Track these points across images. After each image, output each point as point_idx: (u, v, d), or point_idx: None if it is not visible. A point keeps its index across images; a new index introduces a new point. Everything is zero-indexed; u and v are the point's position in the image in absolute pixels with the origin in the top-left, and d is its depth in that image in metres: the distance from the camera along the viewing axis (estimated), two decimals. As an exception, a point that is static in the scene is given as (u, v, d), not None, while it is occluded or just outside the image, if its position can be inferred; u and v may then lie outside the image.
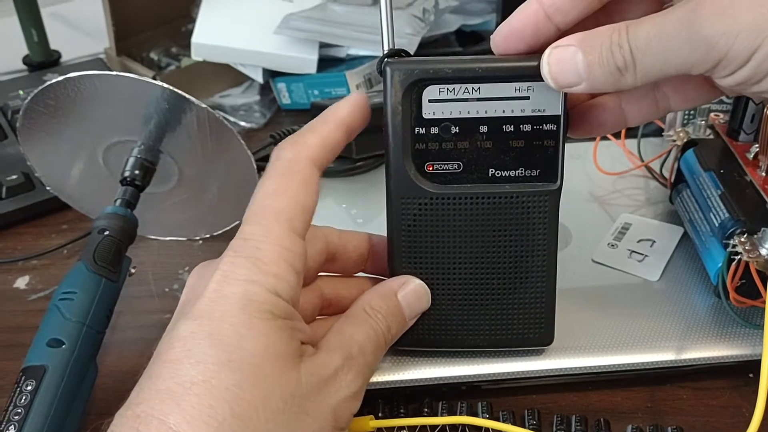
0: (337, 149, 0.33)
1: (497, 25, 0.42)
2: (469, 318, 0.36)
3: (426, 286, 0.35)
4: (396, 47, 0.33)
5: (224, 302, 0.28)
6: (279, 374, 0.28)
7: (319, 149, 0.32)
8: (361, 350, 0.32)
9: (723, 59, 0.28)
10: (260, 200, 0.31)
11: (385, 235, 0.36)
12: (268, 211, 0.30)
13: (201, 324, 0.28)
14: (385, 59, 0.33)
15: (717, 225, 0.39)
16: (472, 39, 0.69)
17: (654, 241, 0.44)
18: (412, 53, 0.34)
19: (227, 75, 0.65)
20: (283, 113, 0.65)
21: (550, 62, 0.30)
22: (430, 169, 0.34)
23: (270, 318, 0.29)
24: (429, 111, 0.33)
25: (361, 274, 0.38)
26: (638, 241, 0.44)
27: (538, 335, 0.36)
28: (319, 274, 0.37)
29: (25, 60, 0.71)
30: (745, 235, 0.36)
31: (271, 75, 0.64)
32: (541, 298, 0.36)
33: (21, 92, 0.61)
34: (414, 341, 0.36)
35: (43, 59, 0.70)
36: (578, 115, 0.35)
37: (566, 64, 0.30)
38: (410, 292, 0.35)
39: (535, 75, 0.32)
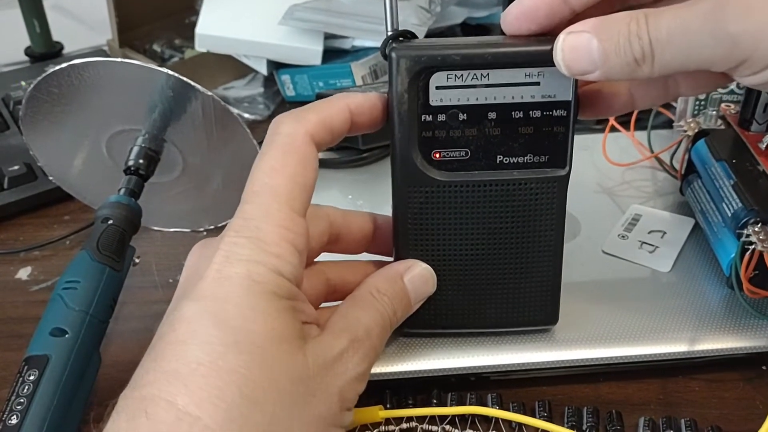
0: (336, 132, 0.32)
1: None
2: (476, 301, 0.36)
3: (432, 270, 0.35)
4: (401, 28, 0.32)
5: (227, 283, 0.28)
6: (285, 356, 0.28)
7: (318, 126, 0.31)
8: (367, 333, 0.31)
9: (748, 59, 0.27)
10: (259, 178, 0.30)
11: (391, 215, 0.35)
12: (266, 190, 0.30)
13: (205, 305, 0.28)
14: (390, 41, 0.32)
15: (730, 215, 0.38)
16: (478, 32, 0.69)
17: (665, 232, 0.44)
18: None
19: (231, 67, 0.65)
20: (287, 105, 0.64)
21: (564, 48, 0.30)
22: (437, 156, 0.33)
23: (274, 299, 0.28)
24: (436, 98, 0.32)
25: (366, 255, 0.38)
26: (649, 233, 0.44)
27: (544, 315, 0.36)
28: (323, 258, 0.36)
29: (27, 51, 0.70)
30: (759, 225, 0.36)
31: (275, 66, 0.63)
32: (546, 281, 0.35)
33: (23, 83, 0.61)
34: (420, 324, 0.36)
35: (45, 50, 0.70)
36: (586, 97, 0.34)
37: (580, 51, 0.29)
38: (416, 276, 0.34)
39: (546, 60, 0.31)
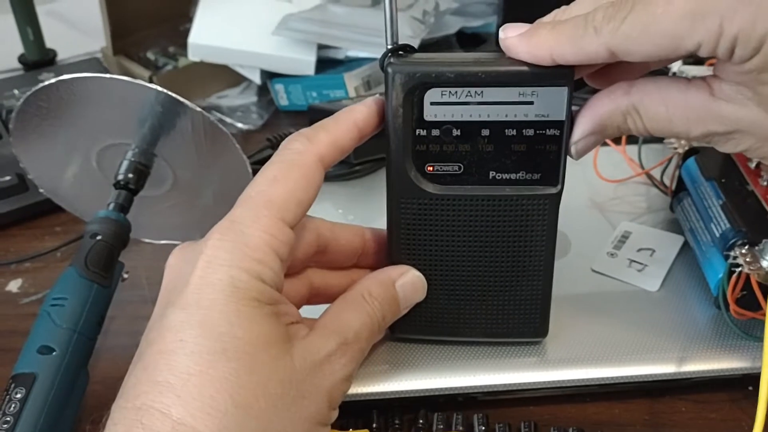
0: (346, 151, 0.33)
1: (498, 26, 0.41)
2: (466, 311, 0.36)
3: (423, 278, 0.35)
4: (400, 42, 0.33)
5: (211, 290, 0.28)
6: (273, 360, 0.28)
7: (328, 148, 0.32)
8: (357, 336, 0.32)
9: None
10: (257, 185, 0.31)
11: (382, 229, 0.36)
12: (261, 197, 0.30)
13: (190, 313, 0.28)
14: (389, 55, 0.32)
15: (718, 235, 0.38)
16: (473, 41, 0.69)
17: (654, 251, 0.44)
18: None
19: (225, 75, 0.65)
20: (280, 115, 0.64)
21: None
22: (431, 170, 0.34)
23: (257, 306, 0.29)
24: (430, 113, 0.33)
25: None
26: (638, 250, 0.44)
27: (533, 328, 0.37)
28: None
29: (21, 59, 0.70)
30: (746, 247, 0.36)
31: (268, 76, 0.63)
32: (537, 295, 0.36)
33: (16, 91, 0.61)
34: (411, 330, 0.37)
35: (38, 58, 0.69)
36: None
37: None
38: (408, 283, 0.35)
39: (540, 80, 0.31)
